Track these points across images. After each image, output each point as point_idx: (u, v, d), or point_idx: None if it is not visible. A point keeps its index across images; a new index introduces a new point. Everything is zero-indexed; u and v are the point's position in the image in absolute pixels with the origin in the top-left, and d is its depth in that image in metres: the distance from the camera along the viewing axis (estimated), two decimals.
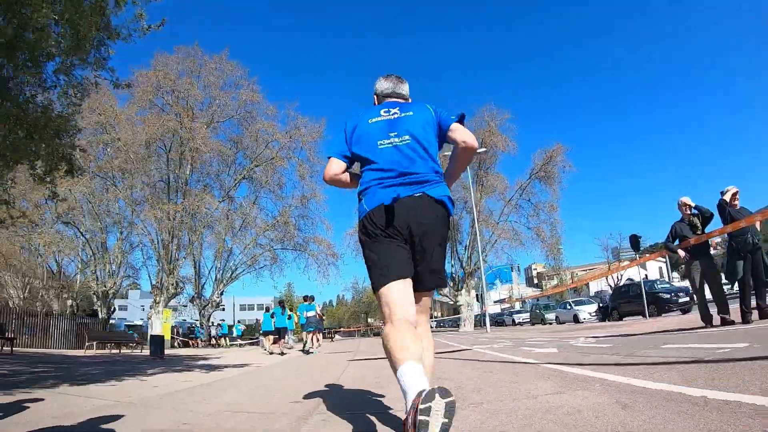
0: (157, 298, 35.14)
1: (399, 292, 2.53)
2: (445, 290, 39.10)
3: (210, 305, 39.19)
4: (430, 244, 2.66)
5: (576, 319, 31.01)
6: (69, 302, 42.68)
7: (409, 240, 2.62)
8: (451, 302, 41.65)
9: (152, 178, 35.98)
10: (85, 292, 41.04)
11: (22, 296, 41.31)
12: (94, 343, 22.95)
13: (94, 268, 37.22)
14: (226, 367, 11.92)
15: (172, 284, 34.83)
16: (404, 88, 3.14)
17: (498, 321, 47.13)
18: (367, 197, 2.73)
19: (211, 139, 36.57)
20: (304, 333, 19.13)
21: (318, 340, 18.83)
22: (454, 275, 40.11)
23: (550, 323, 35.19)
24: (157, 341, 18.24)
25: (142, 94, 34.12)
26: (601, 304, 30.60)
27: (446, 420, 1.84)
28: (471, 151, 2.86)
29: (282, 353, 18.24)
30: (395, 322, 2.43)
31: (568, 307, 33.17)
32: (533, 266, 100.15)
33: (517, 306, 55.11)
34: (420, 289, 2.71)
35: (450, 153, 3.14)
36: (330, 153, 3.00)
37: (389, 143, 2.77)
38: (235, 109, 38.06)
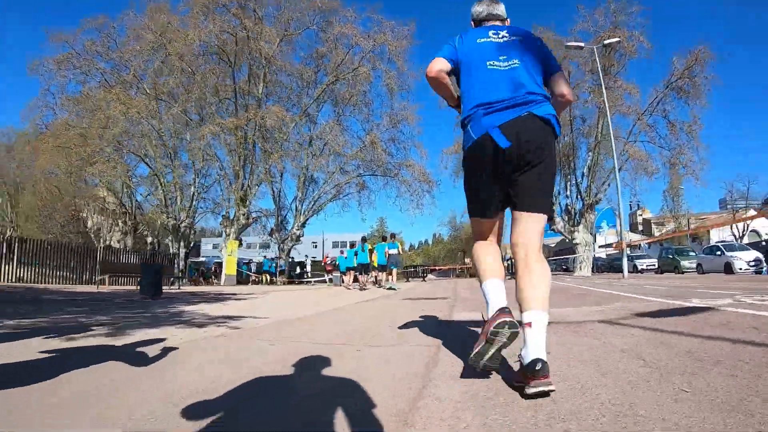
0: (227, 230, 29.88)
1: (490, 227, 2.68)
2: (560, 226, 31.23)
3: (290, 239, 33.48)
4: (535, 163, 2.42)
5: (729, 269, 22.82)
6: (149, 239, 38.82)
7: (516, 162, 2.40)
8: (567, 240, 33.27)
9: (219, 94, 30.19)
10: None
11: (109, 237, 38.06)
12: (106, 277, 17.38)
13: (163, 200, 32.13)
14: (203, 323, 5.69)
15: (243, 214, 29.23)
16: (500, 9, 2.91)
17: (614, 267, 38.69)
18: (472, 124, 2.52)
19: (282, 49, 30.37)
20: (384, 272, 18.05)
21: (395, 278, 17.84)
22: (569, 207, 32.00)
23: (685, 272, 27.07)
24: (150, 274, 11.81)
25: (200, 7, 28.18)
26: None
27: (507, 341, 2.22)
28: (567, 105, 2.77)
29: (362, 289, 16.45)
30: (484, 241, 2.69)
31: (718, 253, 24.74)
32: (638, 212, 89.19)
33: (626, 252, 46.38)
34: (523, 208, 2.49)
35: None
36: (437, 54, 2.71)
37: (498, 65, 2.55)
38: (311, 17, 31.29)
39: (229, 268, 27.29)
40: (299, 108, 32.19)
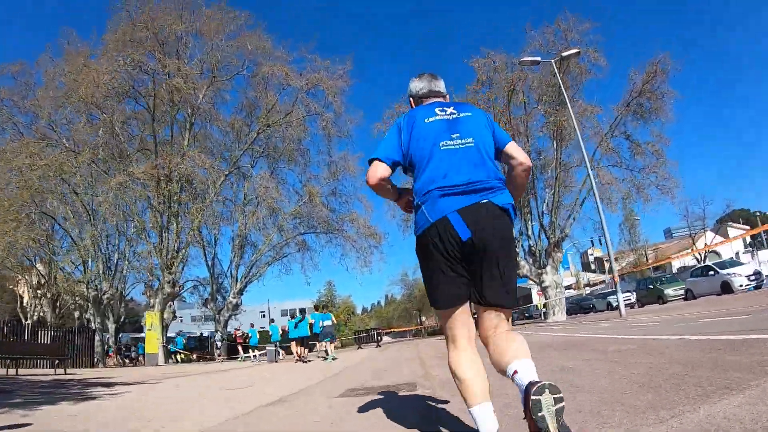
0: (152, 301, 25.12)
1: (459, 316, 2.27)
2: (525, 270, 27.29)
3: (226, 309, 28.78)
4: (497, 257, 2.19)
5: (727, 289, 19.54)
6: (77, 314, 33.44)
7: (475, 253, 2.18)
8: (536, 284, 29.12)
9: (141, 144, 26.18)
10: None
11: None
12: None
13: (82, 268, 27.14)
14: None
15: (168, 282, 24.46)
16: (440, 85, 2.72)
17: (584, 307, 35.07)
18: (427, 206, 2.26)
19: (209, 98, 26.55)
20: (322, 342, 17.32)
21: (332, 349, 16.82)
22: (533, 249, 28.00)
23: (669, 301, 23.88)
24: None
25: (114, 43, 24.23)
26: None
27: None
28: (528, 171, 2.51)
29: (304, 362, 15.59)
30: (459, 348, 2.27)
31: (711, 273, 21.32)
32: (590, 251, 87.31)
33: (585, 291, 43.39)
34: (489, 305, 2.23)
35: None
36: (374, 155, 2.42)
37: (451, 145, 2.32)
38: (240, 61, 27.82)
39: (150, 346, 22.33)
40: (231, 164, 28.17)
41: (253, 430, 3.77)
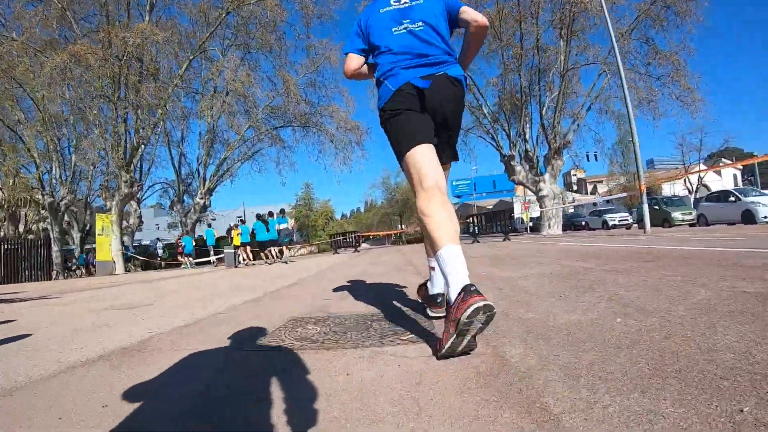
0: (108, 203, 21.98)
1: (427, 156, 2.25)
2: (521, 176, 24.33)
3: (193, 211, 25.91)
4: (450, 120, 2.37)
5: (749, 219, 17.28)
6: (40, 225, 30.67)
7: (433, 113, 2.30)
8: (532, 192, 25.87)
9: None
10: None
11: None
12: None
13: (37, 173, 23.75)
14: None
15: (126, 182, 21.26)
16: None
17: (575, 223, 32.59)
18: (390, 79, 2.37)
19: None
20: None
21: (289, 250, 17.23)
22: (530, 154, 24.66)
23: (676, 225, 21.62)
24: None
25: None
26: None
27: (483, 325, 1.77)
28: (483, 30, 2.52)
29: (269, 264, 15.47)
30: (427, 189, 2.17)
31: (731, 200, 18.79)
32: (572, 172, 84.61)
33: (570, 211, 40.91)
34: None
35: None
36: (346, 50, 2.65)
37: (403, 29, 2.42)
38: None
39: (101, 253, 19.42)
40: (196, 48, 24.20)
41: None
